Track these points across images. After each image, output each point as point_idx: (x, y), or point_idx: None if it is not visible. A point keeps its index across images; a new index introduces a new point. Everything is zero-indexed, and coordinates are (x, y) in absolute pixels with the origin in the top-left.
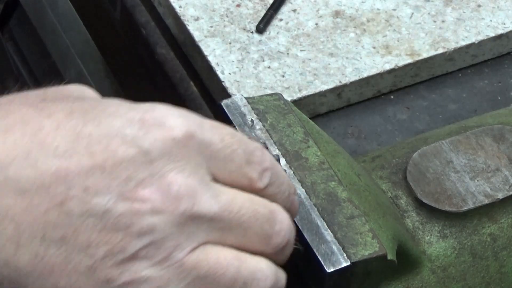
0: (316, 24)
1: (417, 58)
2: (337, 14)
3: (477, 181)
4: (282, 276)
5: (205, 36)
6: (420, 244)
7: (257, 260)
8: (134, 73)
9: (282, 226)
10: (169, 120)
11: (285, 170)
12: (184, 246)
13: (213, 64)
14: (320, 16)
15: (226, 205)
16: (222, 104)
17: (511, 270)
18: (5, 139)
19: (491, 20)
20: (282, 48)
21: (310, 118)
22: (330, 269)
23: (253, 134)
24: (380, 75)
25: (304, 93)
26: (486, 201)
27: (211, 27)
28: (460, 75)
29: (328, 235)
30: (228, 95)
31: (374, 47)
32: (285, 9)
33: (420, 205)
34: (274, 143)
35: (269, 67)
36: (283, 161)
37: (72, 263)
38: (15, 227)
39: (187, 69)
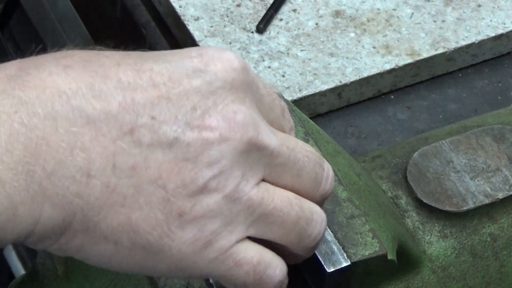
0: (316, 24)
1: (417, 58)
2: (337, 14)
3: (477, 181)
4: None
5: (205, 36)
6: (420, 244)
7: (312, 203)
8: None
9: (329, 173)
10: (226, 54)
11: None
12: (248, 177)
13: None
14: (320, 16)
15: (284, 140)
16: None
17: (511, 270)
18: (67, 73)
19: (491, 20)
20: (282, 48)
21: (310, 118)
22: (330, 269)
23: None
24: (380, 75)
25: (304, 93)
26: (486, 201)
27: (211, 27)
28: (460, 75)
29: (328, 235)
30: None
31: (374, 47)
32: (285, 9)
33: (420, 205)
34: None
35: (269, 67)
36: None
37: (144, 194)
38: (85, 156)
39: None
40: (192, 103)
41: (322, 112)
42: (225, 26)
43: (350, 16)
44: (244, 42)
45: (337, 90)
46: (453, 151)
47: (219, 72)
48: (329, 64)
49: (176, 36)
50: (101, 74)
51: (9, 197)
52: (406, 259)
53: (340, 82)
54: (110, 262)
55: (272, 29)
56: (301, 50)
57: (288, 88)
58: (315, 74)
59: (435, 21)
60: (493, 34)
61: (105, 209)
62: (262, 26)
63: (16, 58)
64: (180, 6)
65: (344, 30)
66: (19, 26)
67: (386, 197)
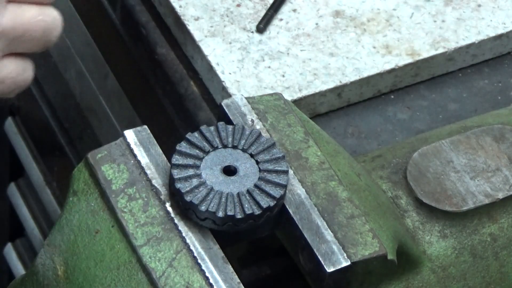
0: (316, 24)
1: (417, 58)
2: (337, 14)
3: (477, 181)
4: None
5: (205, 36)
6: (420, 244)
7: (51, 8)
8: (134, 73)
9: None
10: None
11: (287, 170)
12: None
13: (213, 64)
14: (320, 16)
15: None
16: (222, 104)
17: (511, 270)
18: None
19: (491, 20)
20: (282, 48)
21: (310, 118)
22: (330, 269)
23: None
24: (380, 75)
25: (304, 93)
26: (486, 201)
27: (211, 27)
28: (460, 75)
29: (328, 235)
30: (228, 95)
31: (374, 47)
32: (285, 9)
33: (420, 205)
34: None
35: (269, 67)
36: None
37: None
38: None
39: (187, 69)
40: None
41: (322, 112)
42: (225, 26)
43: (350, 16)
44: (244, 42)
45: (337, 90)
46: (453, 151)
47: None
48: (329, 64)
49: (176, 36)
50: None
51: None
52: (406, 259)
53: (340, 82)
54: None
55: (272, 29)
56: (301, 50)
57: (288, 88)
58: (315, 74)
59: (435, 21)
60: (493, 34)
61: None
62: (262, 26)
63: None
64: (180, 6)
65: (344, 30)
66: None
67: (386, 197)
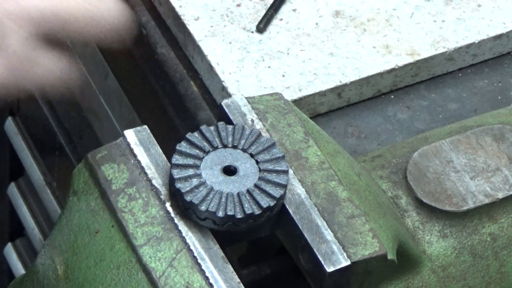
0: (316, 23)
1: (417, 58)
2: (337, 13)
3: (477, 180)
4: None
5: (205, 36)
6: (420, 244)
7: None
8: (134, 73)
9: None
10: None
11: (287, 170)
12: None
13: (213, 63)
14: (320, 16)
15: None
16: (222, 104)
17: (511, 270)
18: None
19: (491, 20)
20: (282, 48)
21: (310, 118)
22: (330, 269)
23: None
24: (380, 75)
25: (304, 92)
26: (486, 201)
27: (211, 26)
28: (460, 74)
29: (328, 234)
30: (228, 95)
31: (374, 47)
32: (285, 9)
33: (420, 204)
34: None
35: (269, 67)
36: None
37: None
38: None
39: (187, 69)
40: None
41: (322, 112)
42: (225, 26)
43: (350, 16)
44: (244, 42)
45: (337, 90)
46: (453, 151)
47: None
48: (329, 64)
49: (176, 36)
50: None
51: None
52: (406, 259)
53: (340, 82)
54: None
55: (272, 29)
56: (301, 50)
57: (288, 88)
58: (315, 74)
59: (435, 21)
60: (493, 34)
61: None
62: (262, 26)
63: None
64: (180, 6)
65: (344, 30)
66: None
67: (386, 197)
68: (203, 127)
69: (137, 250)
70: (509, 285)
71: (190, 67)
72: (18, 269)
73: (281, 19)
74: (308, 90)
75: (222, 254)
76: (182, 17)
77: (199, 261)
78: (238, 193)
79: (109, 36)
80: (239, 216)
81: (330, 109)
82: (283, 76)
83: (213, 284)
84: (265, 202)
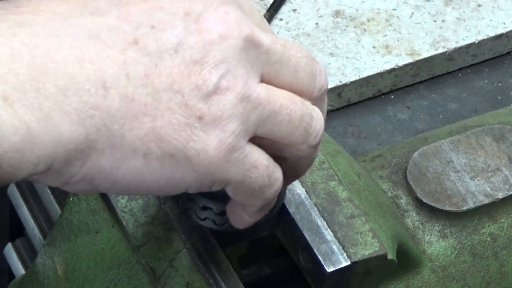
0: (316, 23)
1: (417, 58)
2: (337, 13)
3: (477, 180)
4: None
5: None
6: (420, 244)
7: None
8: None
9: (321, 67)
10: None
11: None
12: (252, 75)
13: None
14: (320, 16)
15: (275, 38)
16: None
17: (511, 270)
18: None
19: (491, 20)
20: None
21: None
22: (330, 269)
23: None
24: (380, 75)
25: None
26: (486, 201)
27: None
28: (460, 74)
29: (328, 234)
30: None
31: (374, 47)
32: (285, 9)
33: (420, 204)
34: None
35: None
36: None
37: (163, 101)
38: (96, 68)
39: None
40: (184, 10)
41: None
42: None
43: (350, 16)
44: None
45: (337, 90)
46: (453, 151)
47: None
48: (329, 64)
49: None
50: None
51: (18, 117)
52: (406, 259)
53: (340, 82)
54: (141, 178)
55: (272, 29)
56: None
57: None
58: None
59: (435, 21)
60: (493, 34)
61: (128, 120)
62: None
63: None
64: None
65: (344, 30)
66: None
67: (386, 197)
68: None
69: (137, 250)
70: (509, 285)
71: None
72: (18, 269)
73: (281, 19)
74: None
75: (222, 254)
76: None
77: (199, 261)
78: None
79: None
80: None
81: (330, 109)
82: None
83: (213, 284)
84: None
